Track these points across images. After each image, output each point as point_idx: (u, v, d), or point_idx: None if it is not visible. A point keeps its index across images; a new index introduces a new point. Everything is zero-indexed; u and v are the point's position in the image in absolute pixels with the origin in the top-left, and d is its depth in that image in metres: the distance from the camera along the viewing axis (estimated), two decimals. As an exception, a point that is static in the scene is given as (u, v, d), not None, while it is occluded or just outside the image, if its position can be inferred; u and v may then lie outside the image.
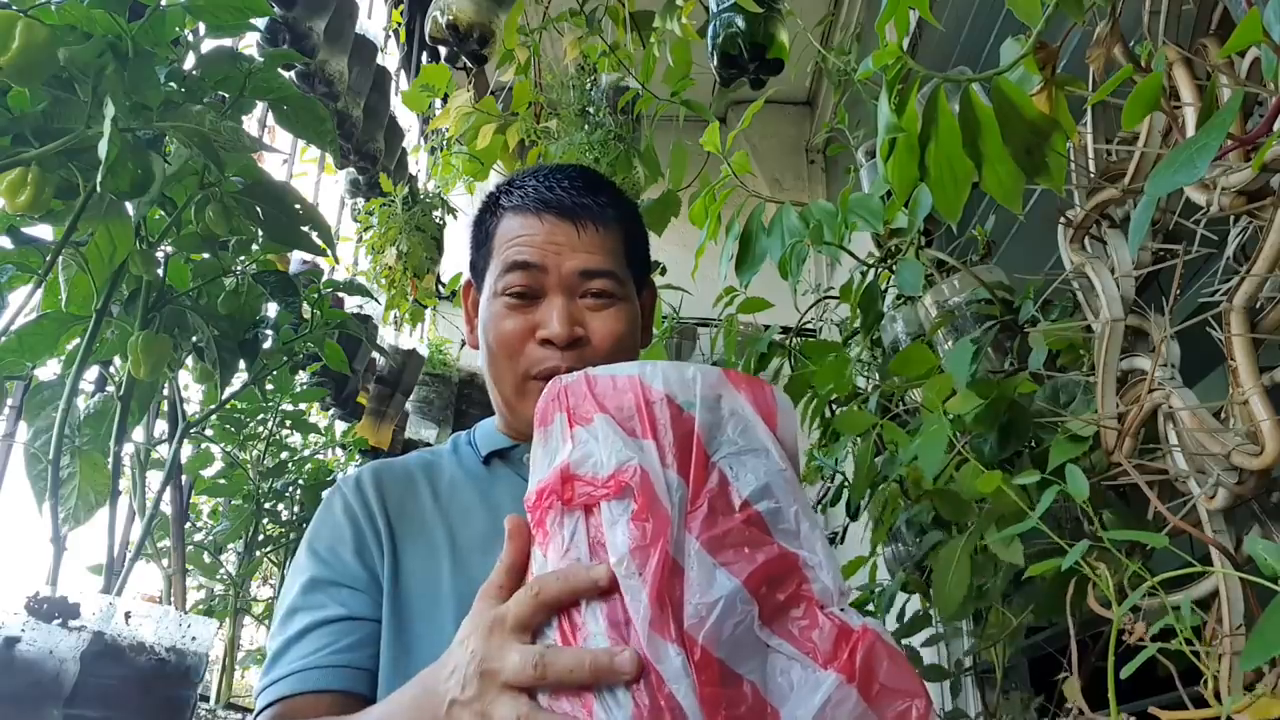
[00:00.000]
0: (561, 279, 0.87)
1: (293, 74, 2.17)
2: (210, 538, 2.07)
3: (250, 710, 2.06)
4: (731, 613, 0.50)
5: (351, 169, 2.77)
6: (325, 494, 0.91)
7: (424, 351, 3.17)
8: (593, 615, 0.51)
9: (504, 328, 0.87)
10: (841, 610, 0.52)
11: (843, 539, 2.05)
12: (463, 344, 3.58)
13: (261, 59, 1.21)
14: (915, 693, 0.50)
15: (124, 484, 1.35)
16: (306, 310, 1.55)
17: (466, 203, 2.91)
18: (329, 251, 1.30)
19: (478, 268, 0.95)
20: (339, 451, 2.69)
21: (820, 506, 1.98)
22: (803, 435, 1.71)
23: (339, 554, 0.83)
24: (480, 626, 0.55)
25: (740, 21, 1.86)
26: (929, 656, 1.69)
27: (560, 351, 0.85)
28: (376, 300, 2.63)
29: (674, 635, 0.48)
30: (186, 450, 1.71)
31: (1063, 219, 1.18)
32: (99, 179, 0.96)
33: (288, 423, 2.07)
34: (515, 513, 0.86)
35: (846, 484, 1.80)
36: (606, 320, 0.88)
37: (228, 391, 1.44)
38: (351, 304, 2.52)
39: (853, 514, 1.64)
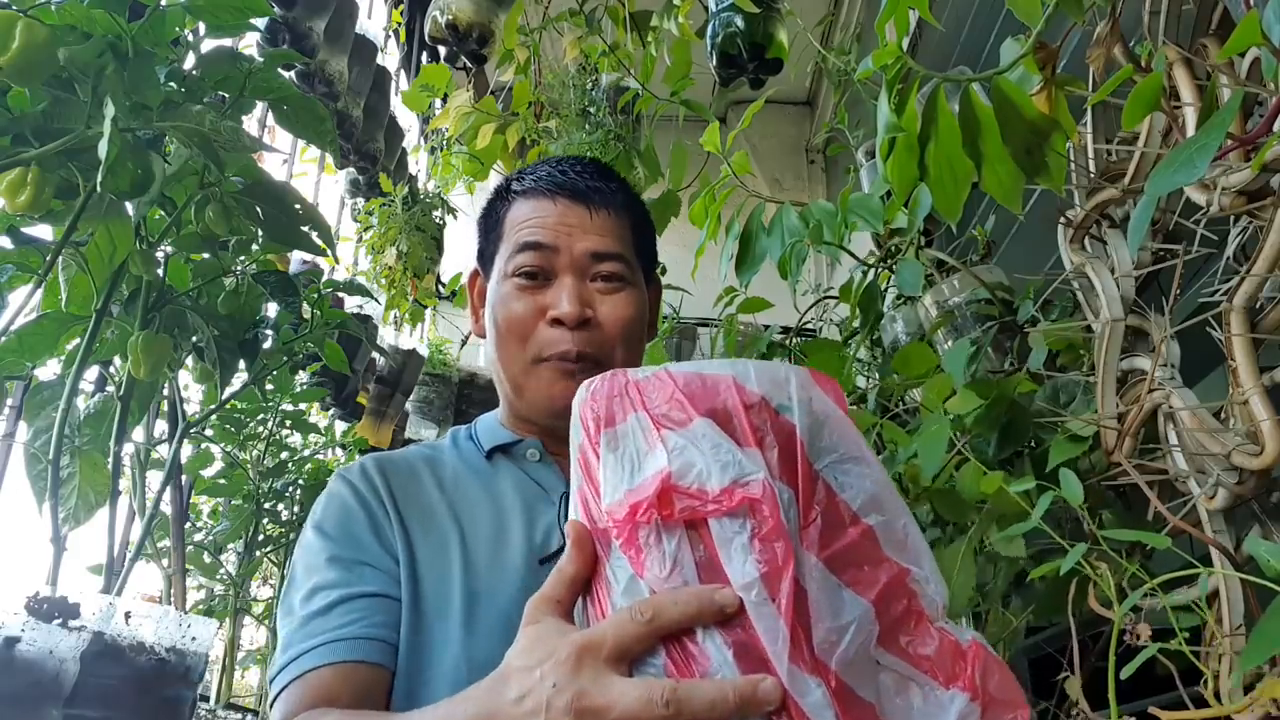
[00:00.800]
0: (573, 260, 0.87)
1: (293, 74, 2.17)
2: (210, 538, 2.07)
3: (250, 710, 2.07)
4: (860, 635, 0.47)
5: (351, 169, 2.77)
6: (329, 483, 0.88)
7: (424, 351, 3.17)
8: (714, 644, 0.45)
9: (513, 308, 0.87)
10: (946, 623, 0.51)
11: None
12: (463, 344, 3.58)
13: (261, 59, 1.21)
14: (1019, 703, 0.48)
15: (124, 484, 1.35)
16: (306, 310, 1.54)
17: (466, 203, 2.91)
18: (329, 251, 1.30)
19: (486, 254, 0.95)
20: (339, 451, 2.69)
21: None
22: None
23: (356, 535, 0.80)
24: (560, 652, 0.47)
25: (739, 21, 1.86)
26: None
27: (571, 333, 0.84)
28: (376, 300, 2.63)
29: (809, 665, 0.45)
30: (186, 450, 1.71)
31: (1063, 219, 1.18)
32: (99, 179, 0.96)
33: (288, 423, 2.07)
34: (518, 507, 0.86)
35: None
36: (616, 304, 0.87)
37: (228, 391, 1.44)
38: (351, 304, 2.52)
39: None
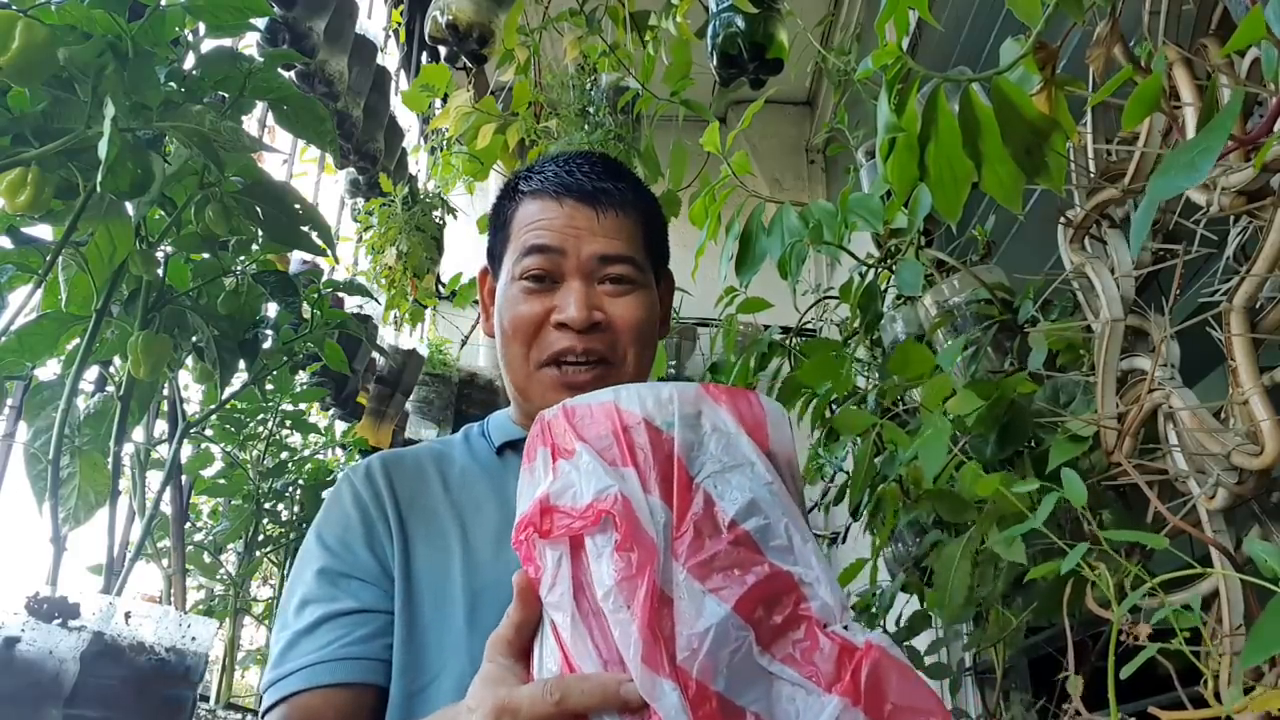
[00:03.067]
0: (580, 263, 0.86)
1: (293, 74, 2.17)
2: (210, 538, 2.07)
3: (250, 710, 2.07)
4: (725, 641, 0.47)
5: (351, 169, 2.77)
6: (337, 481, 0.88)
7: (424, 351, 3.17)
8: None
9: (519, 311, 0.86)
10: (845, 627, 0.50)
11: (844, 539, 2.05)
12: (463, 344, 3.59)
13: (261, 59, 1.21)
14: (930, 709, 0.47)
15: (124, 484, 1.35)
16: (306, 310, 1.54)
17: (466, 203, 2.91)
18: (329, 251, 1.30)
19: (495, 254, 0.94)
20: (339, 451, 2.69)
21: (823, 506, 1.97)
22: (805, 435, 1.71)
23: (350, 545, 0.81)
24: (485, 704, 0.52)
25: (740, 21, 1.86)
26: (929, 656, 1.69)
27: (577, 335, 0.84)
28: (376, 300, 2.63)
29: (668, 670, 0.46)
30: (186, 450, 1.71)
31: (1063, 219, 1.18)
32: (99, 179, 0.96)
33: (288, 423, 2.07)
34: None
35: (850, 482, 1.80)
36: (626, 306, 0.87)
37: (228, 391, 1.44)
38: (351, 304, 2.51)
39: (854, 513, 1.64)
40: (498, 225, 0.94)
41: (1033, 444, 1.21)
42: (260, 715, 0.76)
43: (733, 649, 0.48)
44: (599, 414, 0.55)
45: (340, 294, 1.91)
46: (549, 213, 0.88)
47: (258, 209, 1.24)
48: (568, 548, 0.52)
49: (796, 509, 0.54)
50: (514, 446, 0.91)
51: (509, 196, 0.93)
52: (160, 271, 1.28)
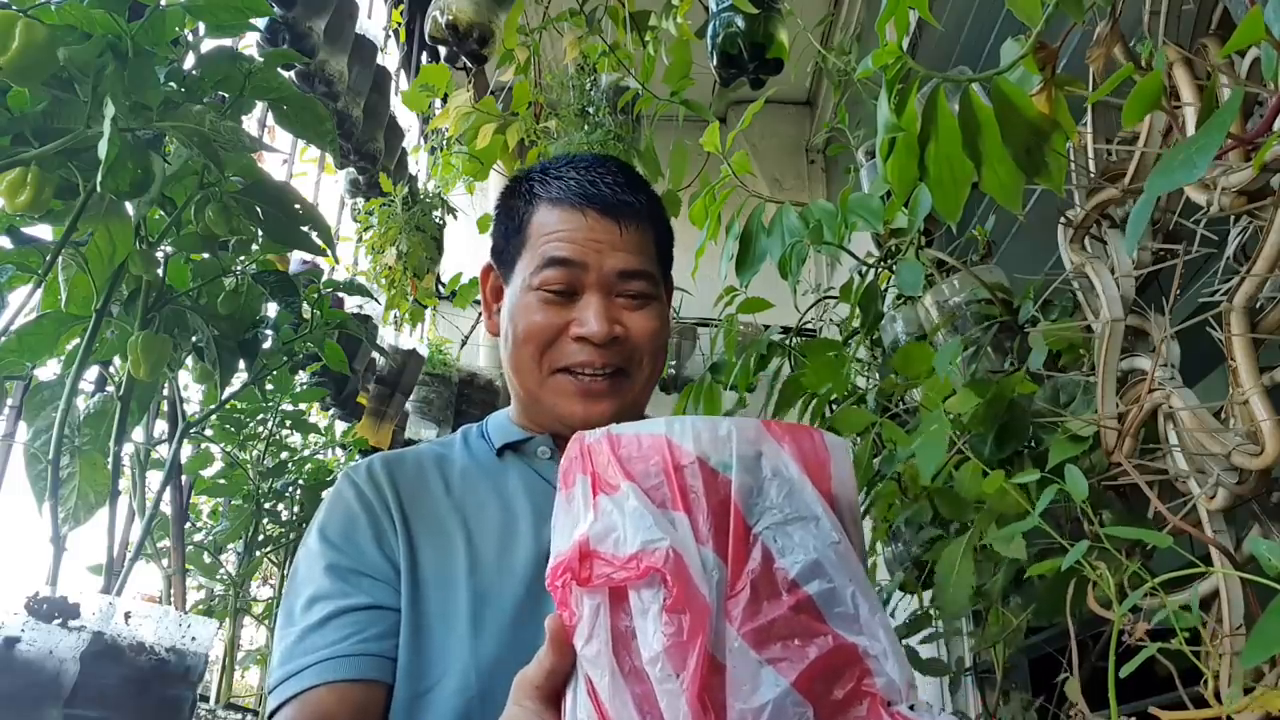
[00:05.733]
0: (601, 277, 0.85)
1: (293, 74, 2.17)
2: (210, 538, 2.07)
3: (250, 710, 2.07)
4: (782, 717, 0.44)
5: (351, 169, 2.77)
6: (336, 482, 0.88)
7: (424, 351, 3.17)
8: None
9: (535, 320, 0.85)
10: (911, 706, 0.46)
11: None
12: (463, 343, 3.59)
13: (261, 59, 1.21)
14: None
15: (124, 484, 1.35)
16: (306, 310, 1.54)
17: (466, 203, 2.91)
18: (329, 251, 1.30)
19: (505, 255, 0.92)
20: (339, 451, 2.69)
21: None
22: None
23: (357, 542, 0.80)
24: None
25: (740, 21, 1.86)
26: (928, 654, 1.69)
27: (596, 348, 0.84)
28: (376, 300, 2.63)
29: None
30: (186, 450, 1.71)
31: (1063, 219, 1.18)
32: (99, 179, 0.96)
33: (288, 423, 2.07)
34: (527, 506, 0.85)
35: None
36: (644, 319, 0.87)
37: (228, 391, 1.44)
38: (351, 304, 2.51)
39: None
40: (511, 227, 0.91)
41: (1033, 444, 1.21)
42: (269, 715, 0.74)
43: None
44: (649, 447, 0.50)
45: (340, 294, 1.91)
46: (570, 224, 0.86)
47: (258, 209, 1.24)
48: (606, 597, 0.48)
49: (862, 571, 0.50)
50: (514, 448, 0.91)
51: (524, 198, 0.91)
52: (160, 271, 1.28)
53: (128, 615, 1.05)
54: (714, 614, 0.45)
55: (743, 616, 0.46)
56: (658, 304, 0.89)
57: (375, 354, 2.75)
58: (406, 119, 3.03)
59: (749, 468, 0.49)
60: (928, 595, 1.54)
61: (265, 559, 2.20)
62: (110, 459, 1.25)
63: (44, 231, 1.19)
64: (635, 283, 0.87)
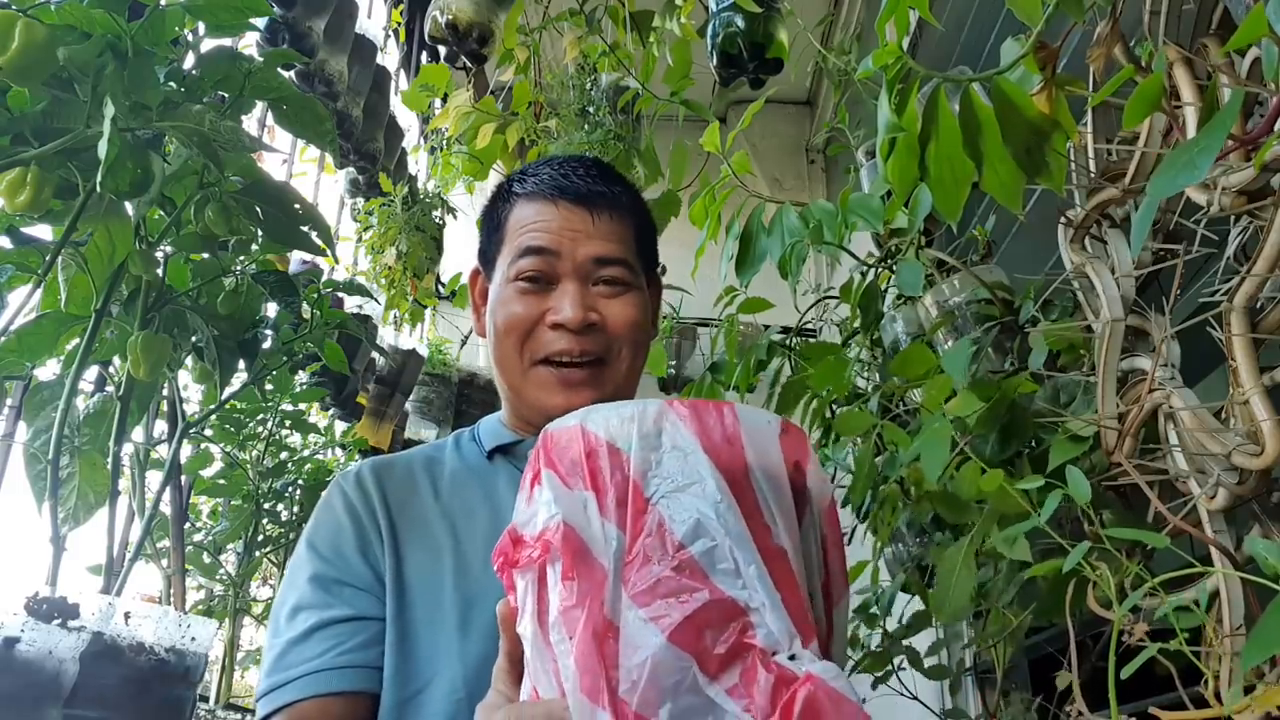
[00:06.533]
0: (575, 265, 0.86)
1: (292, 74, 2.17)
2: (210, 538, 2.07)
3: (249, 711, 2.07)
4: (666, 672, 0.46)
5: (351, 169, 2.77)
6: (328, 487, 0.89)
7: (424, 351, 3.17)
8: None
9: (514, 311, 0.87)
10: (791, 656, 0.47)
11: (849, 540, 2.05)
12: (463, 343, 3.58)
13: (261, 59, 1.21)
14: None
15: (124, 484, 1.35)
16: (306, 310, 1.54)
17: (466, 203, 2.91)
18: (329, 251, 1.30)
19: (488, 255, 0.95)
20: (339, 451, 2.69)
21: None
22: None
23: (342, 552, 0.81)
24: None
25: (740, 21, 1.86)
26: (929, 658, 1.69)
27: (573, 336, 0.85)
28: (376, 300, 2.63)
29: (607, 701, 0.45)
30: (186, 450, 1.70)
31: (1063, 219, 1.18)
32: (99, 179, 0.96)
33: (287, 423, 2.07)
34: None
35: (852, 484, 1.79)
36: (620, 306, 0.88)
37: (227, 391, 1.44)
38: (351, 304, 2.51)
39: (860, 514, 1.64)
40: (491, 227, 0.94)
41: (1033, 444, 1.21)
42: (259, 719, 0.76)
43: (676, 680, 0.46)
44: (567, 437, 0.55)
45: (340, 294, 1.91)
46: (544, 215, 0.88)
47: (257, 209, 1.24)
48: (535, 576, 0.52)
49: (745, 530, 0.51)
50: (504, 451, 0.92)
51: (503, 199, 0.94)
52: (160, 271, 1.28)
53: (127, 615, 1.05)
54: (611, 580, 0.49)
55: (635, 580, 0.49)
56: (637, 293, 0.90)
57: (375, 354, 2.75)
58: (406, 119, 3.03)
59: (651, 445, 0.53)
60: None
61: (265, 559, 2.20)
62: (110, 459, 1.25)
63: (44, 231, 1.19)
64: (611, 269, 0.87)
